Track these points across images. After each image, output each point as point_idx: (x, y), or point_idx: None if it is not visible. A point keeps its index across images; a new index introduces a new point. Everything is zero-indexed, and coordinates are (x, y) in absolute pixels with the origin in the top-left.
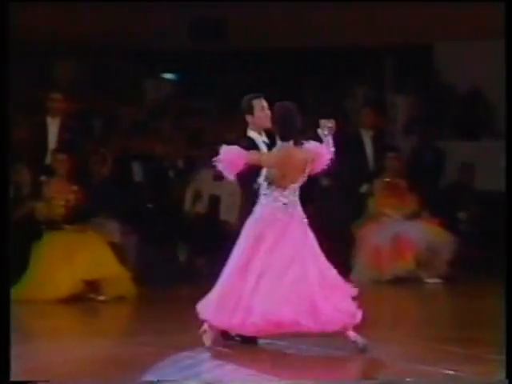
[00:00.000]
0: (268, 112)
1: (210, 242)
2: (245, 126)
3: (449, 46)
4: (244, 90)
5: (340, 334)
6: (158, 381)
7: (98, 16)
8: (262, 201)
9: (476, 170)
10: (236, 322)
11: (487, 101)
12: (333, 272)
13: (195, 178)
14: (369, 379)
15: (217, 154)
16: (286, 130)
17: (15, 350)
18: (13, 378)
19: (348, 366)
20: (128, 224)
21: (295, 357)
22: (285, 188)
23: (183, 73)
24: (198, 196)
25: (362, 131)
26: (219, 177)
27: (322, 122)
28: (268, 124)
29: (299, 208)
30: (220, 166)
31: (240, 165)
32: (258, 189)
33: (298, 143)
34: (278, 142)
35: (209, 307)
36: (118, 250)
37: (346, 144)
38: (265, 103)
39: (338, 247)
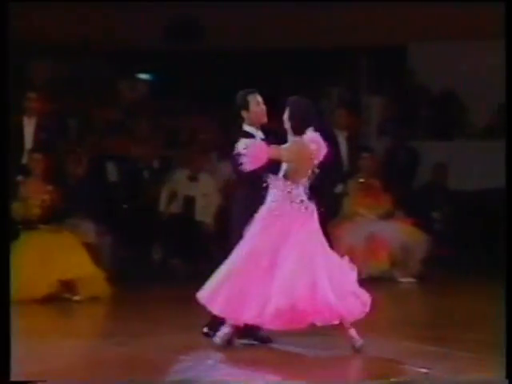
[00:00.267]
0: (263, 107)
1: (185, 242)
2: (217, 125)
3: (422, 47)
4: (219, 90)
5: (340, 330)
6: None
7: (74, 16)
8: (276, 195)
9: (449, 170)
10: (253, 314)
11: (460, 101)
12: (339, 263)
13: (170, 178)
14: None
15: (192, 153)
16: (300, 124)
17: None
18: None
19: (330, 366)
20: (103, 224)
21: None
22: (298, 182)
23: (158, 73)
24: (173, 196)
25: (336, 131)
26: (194, 177)
27: None
28: (264, 119)
29: (310, 202)
30: (243, 160)
31: (263, 159)
32: (259, 184)
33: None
34: (291, 137)
35: (221, 302)
36: (92, 251)
37: None
38: (260, 98)
39: None
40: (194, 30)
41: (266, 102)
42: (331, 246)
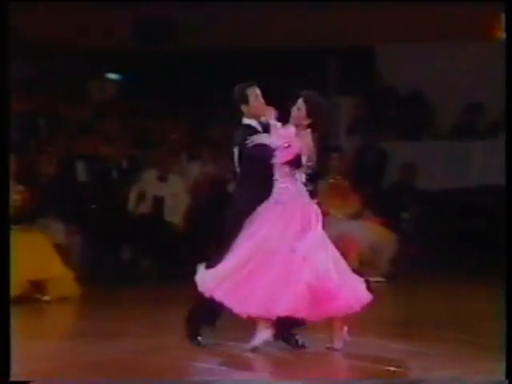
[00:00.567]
0: (262, 100)
1: (154, 242)
2: (187, 125)
3: (390, 48)
4: (188, 90)
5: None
6: None
7: (44, 16)
8: (288, 186)
9: (417, 170)
10: (273, 305)
11: (427, 102)
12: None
13: (139, 178)
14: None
15: (161, 154)
16: (321, 120)
17: None
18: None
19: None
20: (72, 224)
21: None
22: (303, 175)
23: (128, 73)
24: (141, 196)
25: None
26: (163, 177)
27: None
28: (264, 113)
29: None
30: (277, 151)
31: (295, 151)
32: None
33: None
34: (306, 132)
35: (244, 301)
36: (62, 251)
37: None
38: (258, 91)
39: None
40: (163, 31)
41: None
42: None
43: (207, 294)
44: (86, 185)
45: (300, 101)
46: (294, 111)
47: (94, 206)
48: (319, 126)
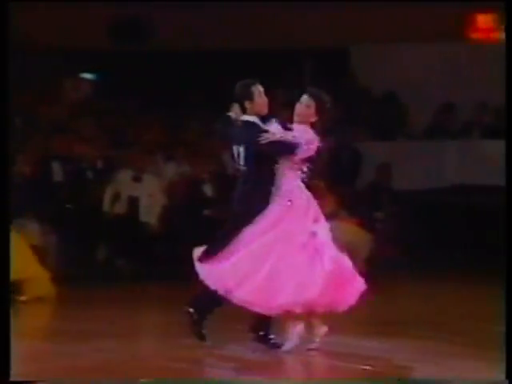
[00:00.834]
0: (265, 98)
1: (130, 242)
2: (162, 125)
3: (364, 49)
4: (164, 90)
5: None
6: None
7: (18, 14)
8: (295, 183)
9: (392, 170)
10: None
11: (401, 102)
12: None
13: (114, 178)
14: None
15: (136, 154)
16: (327, 117)
17: None
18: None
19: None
20: (48, 224)
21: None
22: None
23: (103, 73)
24: (116, 197)
25: None
26: (138, 178)
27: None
28: (266, 110)
29: None
30: (299, 147)
31: (315, 146)
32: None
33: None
34: (311, 130)
35: (270, 299)
36: (38, 251)
37: None
38: (261, 88)
39: None
40: (138, 31)
41: (211, 101)
42: None
43: (225, 294)
44: (62, 185)
45: (308, 98)
46: (302, 108)
47: (69, 206)
48: (323, 124)
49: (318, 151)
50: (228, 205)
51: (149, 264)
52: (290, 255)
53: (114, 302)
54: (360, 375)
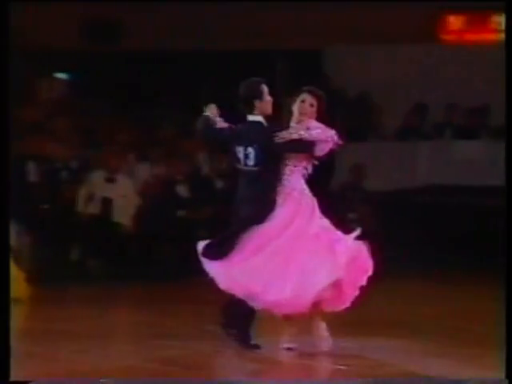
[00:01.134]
0: (270, 97)
1: (103, 243)
2: (135, 126)
3: (338, 49)
4: (137, 90)
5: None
6: None
7: None
8: (301, 179)
9: (365, 171)
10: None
11: (374, 103)
12: None
13: (87, 179)
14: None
15: (109, 154)
16: (322, 116)
17: None
18: None
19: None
20: (22, 225)
21: None
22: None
23: (77, 73)
24: (90, 197)
25: None
26: (111, 179)
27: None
28: (270, 110)
29: None
30: (317, 145)
31: (331, 144)
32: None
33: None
34: (326, 127)
35: (298, 299)
36: (12, 251)
37: None
38: (267, 88)
39: None
40: (112, 31)
41: (186, 101)
42: None
43: (253, 299)
44: (36, 185)
45: (310, 96)
46: (307, 107)
47: (45, 207)
48: (323, 121)
49: (334, 147)
50: (206, 206)
51: (123, 264)
52: (308, 252)
53: (88, 302)
54: (336, 375)
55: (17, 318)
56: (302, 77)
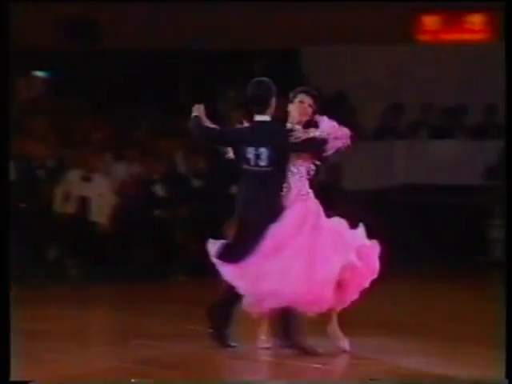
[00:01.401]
0: None
1: (80, 242)
2: (112, 125)
3: (315, 50)
4: (114, 90)
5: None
6: None
7: None
8: (306, 182)
9: (342, 170)
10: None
11: (350, 103)
12: None
13: (64, 178)
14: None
15: (85, 153)
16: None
17: None
18: None
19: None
20: None
21: None
22: None
23: (54, 72)
24: (67, 197)
25: None
26: (87, 178)
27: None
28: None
29: None
30: (328, 144)
31: (341, 142)
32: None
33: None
34: (337, 124)
35: (322, 298)
36: None
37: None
38: None
39: None
40: (90, 30)
41: (165, 102)
42: None
43: (280, 300)
44: (13, 184)
45: (308, 97)
46: (306, 108)
47: (23, 205)
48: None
49: (344, 146)
50: (183, 205)
51: (99, 264)
52: (324, 249)
53: (65, 301)
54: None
55: None
56: (279, 77)
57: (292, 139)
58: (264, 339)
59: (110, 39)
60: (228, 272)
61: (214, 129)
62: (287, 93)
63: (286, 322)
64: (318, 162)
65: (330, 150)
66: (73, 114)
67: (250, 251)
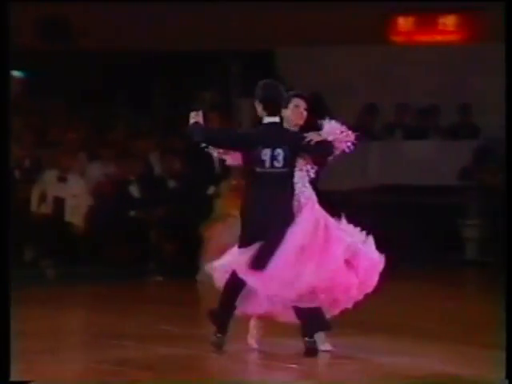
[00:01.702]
0: None
1: (56, 243)
2: (87, 125)
3: (290, 50)
4: (89, 90)
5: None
6: None
7: None
8: (308, 184)
9: (320, 171)
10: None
11: (325, 104)
12: None
13: (40, 178)
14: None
15: (60, 154)
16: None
17: None
18: None
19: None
20: None
21: None
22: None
23: (29, 72)
24: (43, 197)
25: None
26: (63, 178)
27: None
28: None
29: None
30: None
31: (345, 144)
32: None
33: None
34: (342, 127)
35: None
36: None
37: (193, 147)
38: None
39: (187, 248)
40: (66, 30)
41: (138, 101)
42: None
43: (312, 301)
44: None
45: (302, 101)
46: (302, 112)
47: None
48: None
49: (350, 147)
50: (158, 206)
51: (74, 264)
52: (339, 250)
53: (40, 302)
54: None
55: None
56: (254, 78)
57: (305, 141)
58: (252, 341)
59: (86, 39)
60: (255, 281)
61: (233, 132)
62: None
63: (312, 320)
64: (316, 165)
65: (336, 152)
66: (48, 114)
67: (272, 255)
